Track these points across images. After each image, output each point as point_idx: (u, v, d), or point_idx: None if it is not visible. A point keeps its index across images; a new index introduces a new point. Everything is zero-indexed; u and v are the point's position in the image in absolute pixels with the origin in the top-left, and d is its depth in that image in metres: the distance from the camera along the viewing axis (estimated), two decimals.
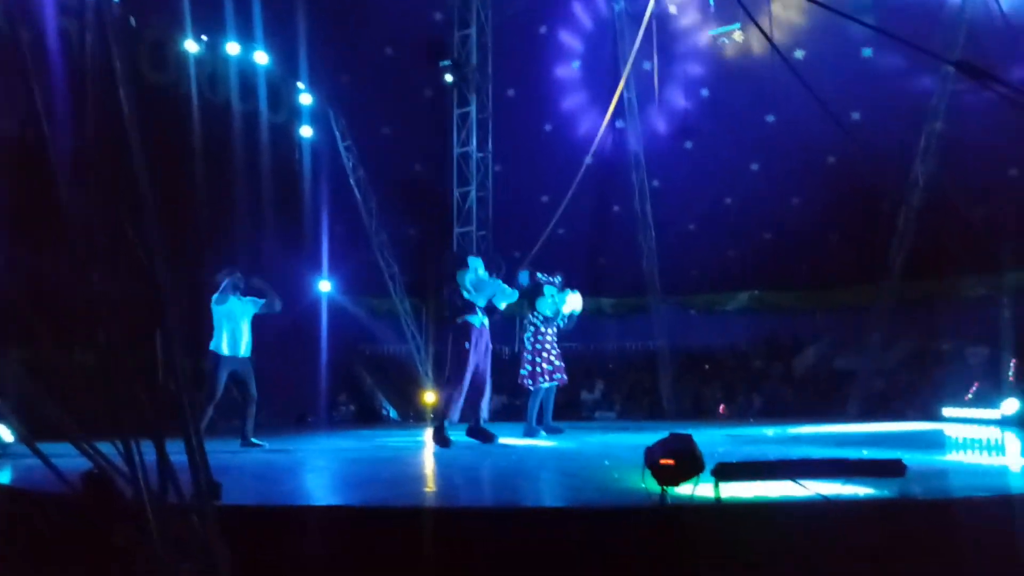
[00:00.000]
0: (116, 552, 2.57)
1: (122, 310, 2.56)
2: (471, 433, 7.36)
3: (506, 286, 7.61)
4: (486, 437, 7.34)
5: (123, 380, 2.44)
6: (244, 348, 7.79)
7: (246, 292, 7.88)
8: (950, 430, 9.17)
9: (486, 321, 7.49)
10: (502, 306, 7.75)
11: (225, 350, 7.63)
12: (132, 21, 11.21)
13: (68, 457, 2.86)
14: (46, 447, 3.00)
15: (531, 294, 8.81)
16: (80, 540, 3.28)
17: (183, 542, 2.33)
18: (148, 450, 2.54)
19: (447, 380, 7.43)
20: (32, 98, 2.92)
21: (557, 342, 8.90)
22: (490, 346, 7.65)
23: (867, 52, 13.95)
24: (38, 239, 8.35)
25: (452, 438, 7.14)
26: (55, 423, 2.69)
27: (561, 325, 8.89)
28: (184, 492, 2.43)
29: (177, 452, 2.61)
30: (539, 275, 8.89)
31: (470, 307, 7.34)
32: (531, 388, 8.70)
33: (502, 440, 7.57)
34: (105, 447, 2.66)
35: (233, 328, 7.71)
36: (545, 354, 8.66)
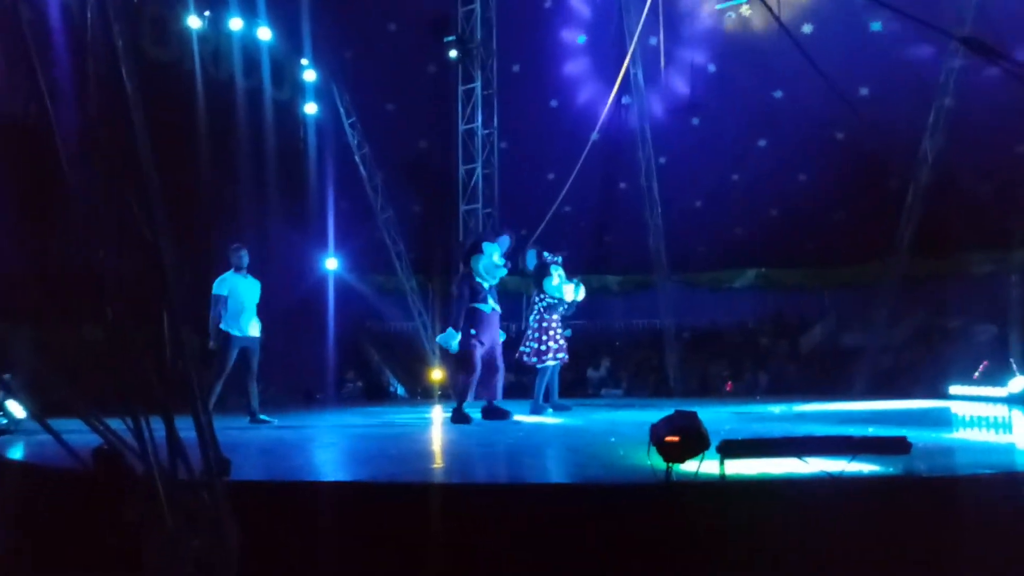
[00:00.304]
0: (127, 527, 2.59)
1: (129, 287, 2.57)
2: (486, 414, 7.46)
3: (502, 271, 7.63)
4: (502, 415, 7.44)
5: (131, 357, 2.46)
6: (254, 328, 7.81)
7: (258, 274, 7.91)
8: (957, 408, 9.16)
9: (497, 307, 7.55)
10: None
11: (234, 329, 7.67)
12: None
13: (78, 433, 2.89)
14: (57, 423, 3.03)
15: (538, 273, 8.82)
16: (91, 516, 3.32)
17: (193, 517, 2.35)
18: (157, 426, 2.56)
19: (460, 365, 7.54)
20: (35, 77, 2.91)
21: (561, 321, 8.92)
22: (499, 329, 7.74)
23: (876, 26, 13.80)
24: (44, 218, 8.37)
25: (471, 415, 7.27)
26: (65, 399, 2.70)
27: (563, 310, 8.90)
28: (194, 468, 2.45)
29: (186, 428, 2.63)
30: (546, 254, 8.89)
31: (481, 292, 7.39)
32: (537, 366, 8.73)
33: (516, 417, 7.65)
34: (115, 423, 2.68)
35: (239, 307, 7.73)
36: (552, 332, 8.68)
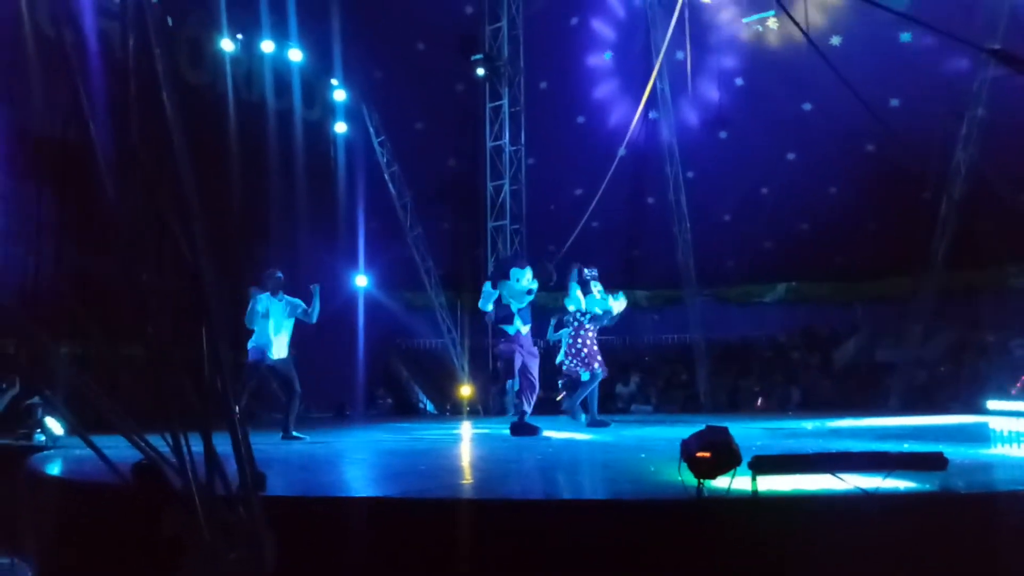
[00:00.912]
0: (165, 541, 2.64)
1: (169, 305, 2.63)
2: (515, 429, 7.59)
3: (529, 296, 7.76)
4: (530, 431, 7.55)
5: (171, 374, 2.52)
6: (280, 349, 7.79)
7: (289, 293, 7.94)
8: (995, 423, 8.98)
9: (523, 328, 7.70)
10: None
11: (260, 355, 7.67)
12: (169, 21, 11.41)
13: (116, 449, 2.95)
14: (95, 439, 3.09)
15: (572, 290, 8.94)
16: (130, 530, 3.38)
17: (230, 532, 2.39)
18: (195, 442, 2.61)
19: (520, 382, 7.84)
20: (78, 99, 3.00)
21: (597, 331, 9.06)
22: (533, 349, 7.92)
23: (906, 37, 13.67)
24: (85, 236, 8.56)
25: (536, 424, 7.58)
26: (105, 415, 2.77)
27: (606, 322, 9.05)
28: (231, 483, 2.50)
29: (222, 444, 2.68)
30: (586, 271, 9.00)
31: (508, 315, 7.62)
32: (583, 376, 8.84)
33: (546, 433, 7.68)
34: (154, 439, 2.74)
35: (266, 331, 7.72)
36: (590, 344, 8.81)
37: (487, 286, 7.79)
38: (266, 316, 7.75)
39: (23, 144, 9.23)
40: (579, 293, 8.87)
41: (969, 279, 14.05)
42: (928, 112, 13.24)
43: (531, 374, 7.73)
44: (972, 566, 3.15)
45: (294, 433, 7.68)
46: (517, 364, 7.59)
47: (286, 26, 12.85)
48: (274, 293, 7.86)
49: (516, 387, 7.82)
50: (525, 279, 7.65)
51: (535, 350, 7.95)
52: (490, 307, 7.72)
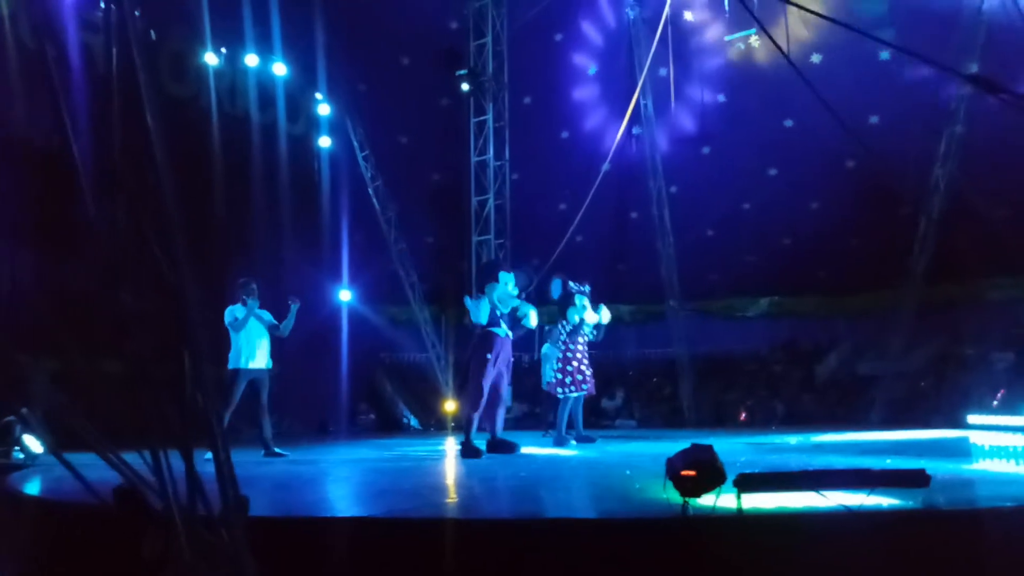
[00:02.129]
0: (145, 564, 2.60)
1: (149, 323, 2.60)
2: (491, 447, 7.35)
3: (528, 305, 7.63)
4: (507, 448, 7.34)
5: (152, 392, 2.48)
6: (262, 360, 7.83)
7: (263, 306, 7.94)
8: (976, 438, 9.04)
9: (510, 333, 7.52)
10: (532, 324, 7.88)
11: (242, 363, 7.70)
12: (152, 34, 11.37)
13: (95, 468, 2.89)
14: (74, 458, 3.04)
15: (562, 303, 8.84)
16: (109, 552, 3.33)
17: (212, 554, 2.36)
18: (176, 462, 2.58)
19: (469, 391, 7.44)
20: (59, 112, 2.97)
21: (587, 351, 8.91)
22: (511, 359, 7.69)
23: (885, 55, 13.86)
24: (65, 252, 8.47)
25: (480, 448, 7.15)
26: (83, 434, 2.72)
27: (591, 337, 8.91)
28: (212, 505, 2.46)
29: (203, 464, 2.64)
30: (571, 284, 8.91)
31: (495, 317, 7.36)
32: (559, 396, 8.71)
33: (524, 450, 7.57)
34: (133, 459, 2.70)
35: (249, 340, 7.75)
36: (575, 363, 8.67)
37: (471, 301, 7.54)
38: (245, 325, 7.73)
39: (1, 155, 9.13)
40: (585, 304, 8.74)
41: (949, 293, 14.21)
42: (907, 129, 13.41)
43: (501, 391, 7.43)
44: None
45: (276, 449, 7.62)
46: (488, 384, 7.23)
47: (270, 40, 12.84)
48: (246, 304, 7.83)
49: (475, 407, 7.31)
50: (511, 284, 7.57)
51: (511, 360, 7.74)
52: (486, 319, 7.39)
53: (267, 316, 7.98)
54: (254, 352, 7.76)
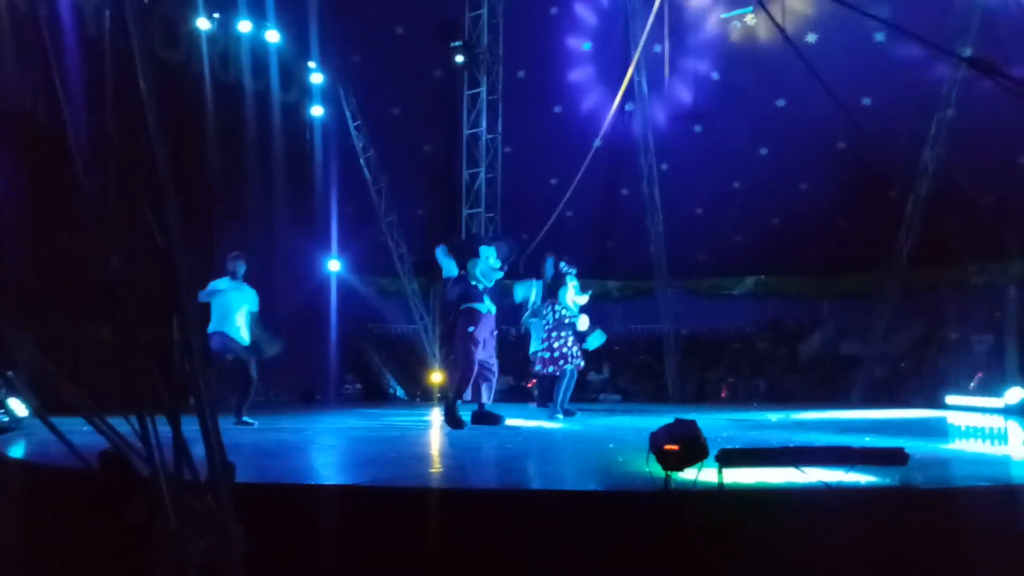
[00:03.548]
0: (131, 529, 2.62)
1: (139, 290, 2.60)
2: (477, 419, 7.39)
3: (498, 274, 7.57)
4: (493, 420, 7.39)
5: (140, 359, 2.49)
6: (241, 334, 7.72)
7: (247, 279, 7.83)
8: (953, 418, 9.20)
9: (493, 308, 7.52)
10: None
11: (212, 327, 7.58)
12: None
13: (80, 433, 2.91)
14: (59, 422, 3.05)
15: (553, 283, 8.86)
16: (95, 515, 3.35)
17: (198, 520, 2.38)
18: (163, 428, 2.59)
19: (455, 364, 7.46)
20: (50, 77, 2.94)
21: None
22: (495, 331, 7.71)
23: (880, 37, 13.84)
24: (55, 218, 8.38)
25: (465, 419, 7.20)
26: (70, 398, 2.73)
27: (575, 318, 8.92)
28: (199, 471, 2.48)
29: (191, 429, 2.66)
30: (562, 264, 8.93)
31: (476, 293, 7.36)
32: (555, 374, 8.78)
33: (509, 422, 7.63)
34: (119, 424, 2.71)
35: (224, 313, 7.64)
36: (564, 339, 8.73)
37: (443, 255, 7.44)
38: (220, 300, 7.62)
39: None
40: (571, 290, 8.78)
41: (933, 276, 14.32)
42: (899, 111, 13.43)
43: (489, 363, 7.46)
44: (931, 558, 3.23)
45: (245, 419, 7.54)
46: (476, 356, 7.23)
47: (263, 6, 12.66)
48: (234, 278, 7.75)
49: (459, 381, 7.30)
50: (493, 257, 7.54)
51: (495, 333, 7.72)
52: (456, 271, 7.37)
53: (252, 296, 7.91)
54: (229, 328, 7.63)
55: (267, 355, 7.97)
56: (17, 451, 5.05)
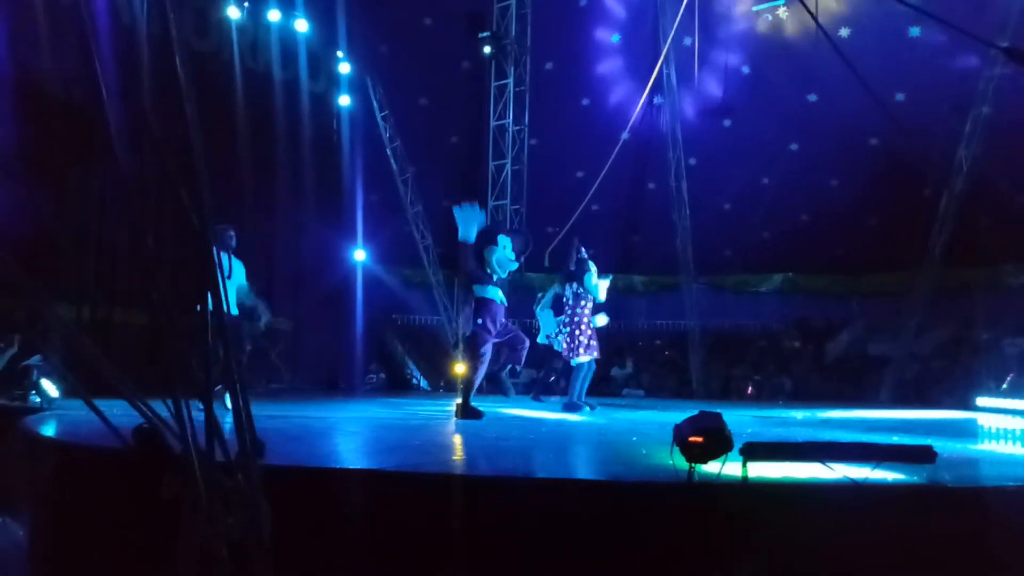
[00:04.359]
0: (163, 505, 2.68)
1: (174, 271, 2.65)
2: (491, 380, 7.34)
3: (512, 265, 7.47)
4: (504, 390, 7.42)
5: (173, 339, 2.54)
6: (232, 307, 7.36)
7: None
8: (984, 419, 9.08)
9: (505, 300, 7.42)
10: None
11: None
12: None
13: (112, 415, 2.96)
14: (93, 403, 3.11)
15: (578, 268, 8.81)
16: (126, 491, 3.42)
17: (228, 498, 2.43)
18: (196, 408, 2.64)
19: (468, 356, 7.36)
20: (90, 62, 2.99)
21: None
22: (507, 320, 7.57)
23: (915, 31, 13.63)
24: (91, 200, 8.49)
25: (481, 410, 7.17)
26: (105, 378, 2.78)
27: (600, 301, 8.89)
28: (230, 449, 2.53)
29: (221, 410, 2.71)
30: (583, 251, 8.89)
31: (490, 282, 7.27)
32: (571, 363, 8.75)
33: (532, 413, 7.64)
34: (154, 404, 2.77)
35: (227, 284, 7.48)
36: (583, 327, 8.68)
37: (499, 252, 7.26)
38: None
39: (26, 97, 9.13)
40: (594, 273, 8.72)
41: (965, 276, 14.12)
42: (934, 108, 13.23)
43: (515, 334, 7.40)
44: (957, 557, 3.20)
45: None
46: (488, 349, 7.16)
47: None
48: (224, 249, 7.37)
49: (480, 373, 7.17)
50: (509, 248, 7.40)
51: (510, 326, 7.58)
52: (473, 237, 7.14)
53: (239, 267, 7.66)
54: (231, 297, 7.30)
55: (261, 324, 7.86)
56: (49, 430, 5.15)
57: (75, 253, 8.44)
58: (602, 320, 8.91)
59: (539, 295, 9.78)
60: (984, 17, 11.93)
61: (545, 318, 9.37)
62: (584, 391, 8.97)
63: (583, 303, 8.73)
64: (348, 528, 3.35)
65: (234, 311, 7.52)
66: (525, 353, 7.55)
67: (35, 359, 7.33)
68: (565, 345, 8.77)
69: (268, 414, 7.23)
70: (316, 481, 3.56)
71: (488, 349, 7.20)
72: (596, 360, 8.89)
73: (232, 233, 7.64)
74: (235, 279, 7.64)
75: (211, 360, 2.63)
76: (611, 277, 9.04)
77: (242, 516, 2.41)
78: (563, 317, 8.89)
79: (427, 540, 3.28)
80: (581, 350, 8.62)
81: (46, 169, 8.28)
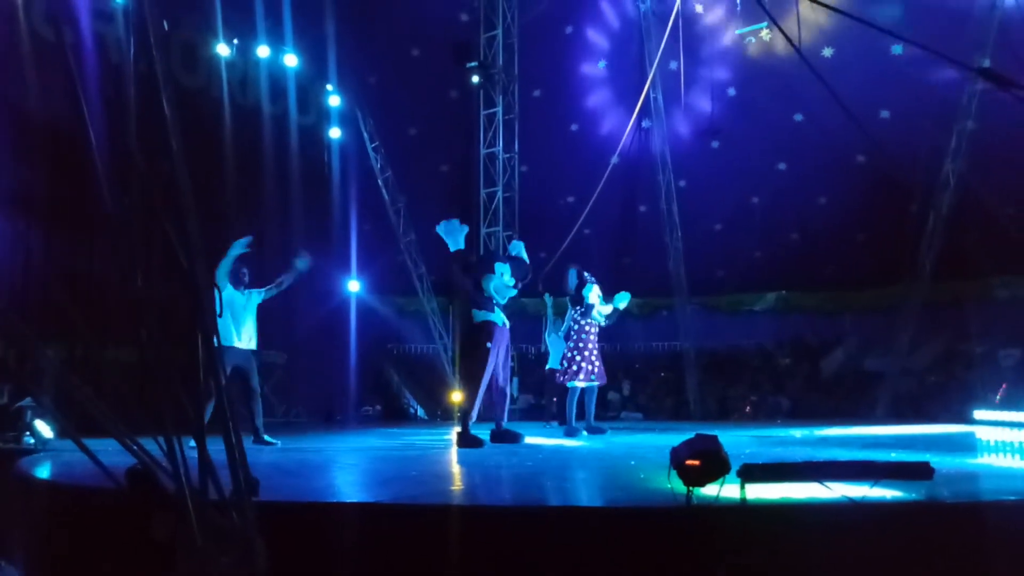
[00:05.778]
0: (157, 545, 2.65)
1: (163, 309, 2.64)
2: (496, 438, 7.29)
3: (511, 291, 7.50)
4: (512, 438, 7.31)
5: (164, 377, 2.53)
6: (246, 339, 7.45)
7: (251, 284, 7.64)
8: (981, 433, 9.06)
9: (507, 322, 7.50)
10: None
11: (225, 342, 7.10)
12: (165, 24, 11.40)
13: (104, 454, 2.94)
14: (86, 443, 3.09)
15: (577, 292, 8.83)
16: (120, 533, 3.38)
17: (223, 537, 2.40)
18: (188, 446, 2.62)
19: (468, 380, 7.33)
20: (76, 99, 3.01)
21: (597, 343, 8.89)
22: (510, 347, 7.63)
23: (897, 49, 13.80)
24: (80, 238, 8.50)
25: (482, 437, 7.12)
26: (96, 419, 2.77)
27: (602, 321, 8.89)
28: (223, 488, 2.51)
29: (216, 447, 2.69)
30: (585, 274, 8.90)
31: (491, 306, 7.30)
32: (567, 385, 8.72)
33: (530, 440, 7.59)
34: (146, 443, 2.75)
35: (233, 317, 7.33)
36: (587, 353, 8.66)
37: (497, 279, 7.30)
38: (226, 308, 7.36)
39: (14, 137, 9.16)
40: (595, 290, 8.73)
41: (956, 290, 14.17)
42: (918, 124, 13.36)
43: (501, 382, 7.29)
44: (957, 574, 3.18)
45: (266, 438, 7.32)
46: (490, 366, 7.12)
47: (281, 31, 12.87)
48: (236, 286, 7.44)
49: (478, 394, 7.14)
50: (507, 275, 7.45)
51: (510, 347, 7.60)
52: (463, 242, 7.31)
53: (255, 295, 7.64)
54: (239, 330, 7.36)
55: (301, 269, 7.86)
56: (44, 472, 5.10)
57: (64, 292, 8.43)
58: (607, 309, 8.85)
59: (545, 320, 9.76)
60: (964, 33, 12.10)
61: (554, 343, 9.39)
62: (591, 415, 8.92)
63: (588, 328, 8.73)
64: (345, 563, 3.32)
65: (250, 345, 7.48)
66: (507, 406, 7.49)
67: (27, 400, 7.28)
68: (563, 368, 8.75)
69: (261, 448, 7.18)
70: (312, 515, 3.53)
71: (488, 374, 7.15)
72: (599, 384, 8.85)
73: (245, 270, 7.56)
74: (251, 309, 7.55)
75: (203, 397, 2.62)
76: (628, 296, 8.99)
77: (236, 555, 2.38)
78: (570, 342, 8.89)
79: (425, 572, 3.25)
80: (581, 375, 8.60)
81: (34, 209, 8.31)
